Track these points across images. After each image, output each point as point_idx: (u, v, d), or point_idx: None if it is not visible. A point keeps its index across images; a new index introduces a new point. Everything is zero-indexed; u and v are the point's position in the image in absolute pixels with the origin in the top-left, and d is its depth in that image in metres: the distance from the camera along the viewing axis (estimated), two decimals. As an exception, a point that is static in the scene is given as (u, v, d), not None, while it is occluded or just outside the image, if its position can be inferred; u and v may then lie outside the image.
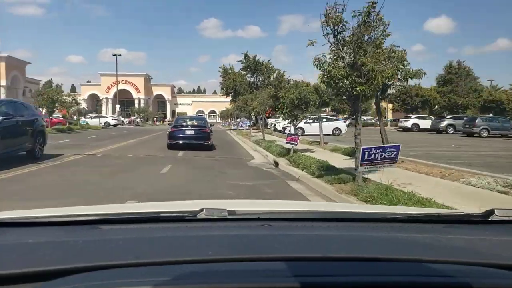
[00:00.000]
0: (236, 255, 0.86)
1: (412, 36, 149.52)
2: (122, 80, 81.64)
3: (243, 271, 0.77)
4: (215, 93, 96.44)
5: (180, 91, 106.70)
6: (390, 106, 49.77)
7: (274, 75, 33.30)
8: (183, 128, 14.19)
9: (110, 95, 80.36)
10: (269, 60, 33.85)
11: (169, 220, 1.20)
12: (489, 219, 1.22)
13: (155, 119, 67.68)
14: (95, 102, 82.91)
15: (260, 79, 33.22)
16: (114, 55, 51.93)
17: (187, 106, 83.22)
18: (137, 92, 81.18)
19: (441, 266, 0.81)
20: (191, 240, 1.00)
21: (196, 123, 14.84)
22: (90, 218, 1.19)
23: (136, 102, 76.75)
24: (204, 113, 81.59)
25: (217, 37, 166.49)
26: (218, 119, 77.17)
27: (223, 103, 65.82)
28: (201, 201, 1.46)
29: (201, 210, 1.17)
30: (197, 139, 13.82)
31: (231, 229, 1.13)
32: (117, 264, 0.79)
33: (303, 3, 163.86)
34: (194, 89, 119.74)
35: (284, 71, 33.86)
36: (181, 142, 13.63)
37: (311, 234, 1.09)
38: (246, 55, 33.51)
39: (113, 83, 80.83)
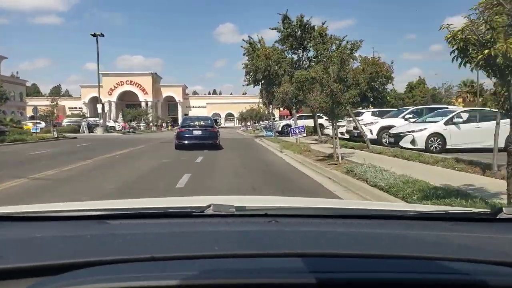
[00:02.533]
0: (244, 251, 0.86)
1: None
2: (127, 81, 72.05)
3: (251, 267, 0.76)
4: (231, 95, 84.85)
5: (195, 93, 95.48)
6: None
7: (333, 47, 20.16)
8: (191, 128, 14.55)
9: (114, 97, 70.59)
10: (323, 23, 19.95)
11: (176, 216, 1.19)
12: (497, 217, 1.20)
13: (163, 123, 55.57)
14: (96, 106, 72.73)
15: (311, 55, 20.01)
16: (93, 35, 34.71)
17: (202, 109, 72.09)
18: (144, 94, 71.05)
19: (448, 263, 0.80)
20: (199, 236, 1.00)
21: (203, 123, 15.02)
22: (98, 213, 1.18)
23: (143, 105, 65.51)
24: (220, 116, 70.39)
25: (234, 41, 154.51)
26: (236, 123, 65.48)
27: (243, 104, 54.38)
28: (208, 197, 1.54)
29: (209, 206, 1.16)
30: (205, 139, 14.15)
31: (239, 225, 1.12)
32: (125, 258, 0.79)
33: (319, 7, 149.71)
34: (209, 92, 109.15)
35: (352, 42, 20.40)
36: (188, 142, 13.91)
37: (318, 231, 1.08)
38: (285, 17, 19.68)
39: (117, 83, 70.74)
